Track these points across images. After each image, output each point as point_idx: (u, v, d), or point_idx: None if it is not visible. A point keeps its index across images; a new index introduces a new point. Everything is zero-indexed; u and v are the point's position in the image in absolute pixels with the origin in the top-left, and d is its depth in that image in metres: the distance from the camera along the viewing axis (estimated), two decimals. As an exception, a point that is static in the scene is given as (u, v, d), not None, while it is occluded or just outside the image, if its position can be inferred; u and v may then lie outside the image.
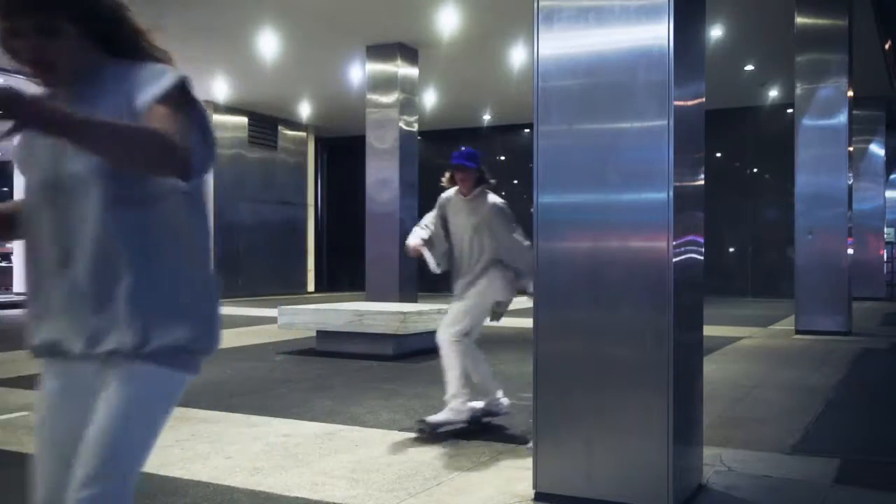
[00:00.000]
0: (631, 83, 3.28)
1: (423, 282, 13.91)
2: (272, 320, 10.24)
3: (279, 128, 19.73)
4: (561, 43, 3.41)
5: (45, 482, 1.87)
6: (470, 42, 12.54)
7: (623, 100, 3.30)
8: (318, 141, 21.48)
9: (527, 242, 4.53)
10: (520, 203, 24.15)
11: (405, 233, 13.73)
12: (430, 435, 4.52)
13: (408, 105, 12.98)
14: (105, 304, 1.63)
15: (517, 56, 13.29)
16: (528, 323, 3.91)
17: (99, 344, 1.64)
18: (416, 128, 13.27)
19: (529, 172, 3.52)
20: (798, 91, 10.61)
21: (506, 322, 12.27)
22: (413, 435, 4.67)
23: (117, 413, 1.63)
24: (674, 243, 3.23)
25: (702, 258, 3.65)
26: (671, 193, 3.21)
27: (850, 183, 10.58)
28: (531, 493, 3.47)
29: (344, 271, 21.51)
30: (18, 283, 19.17)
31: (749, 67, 14.65)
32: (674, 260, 3.23)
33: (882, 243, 17.97)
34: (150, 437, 1.72)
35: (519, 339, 9.45)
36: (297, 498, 3.50)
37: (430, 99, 16.89)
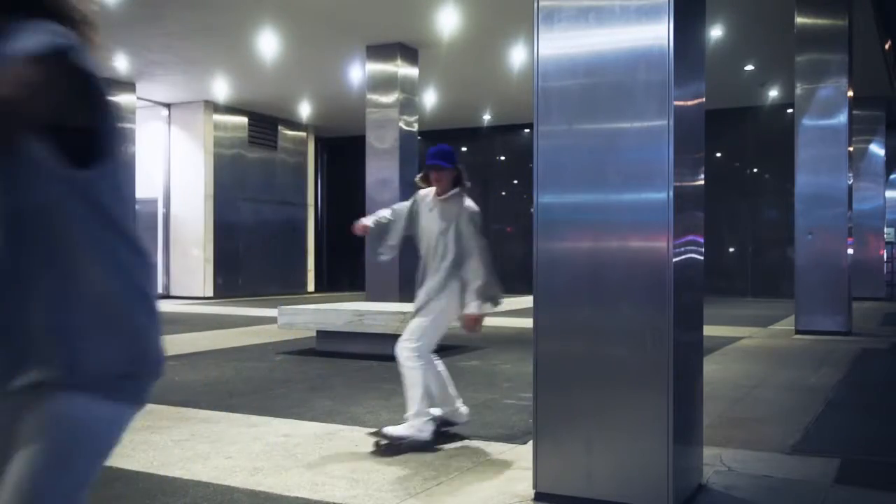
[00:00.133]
0: (631, 83, 3.28)
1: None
2: (272, 320, 10.24)
3: (279, 128, 19.73)
4: (561, 43, 3.41)
5: None
6: (470, 42, 12.54)
7: (623, 100, 3.30)
8: (318, 141, 21.47)
9: (484, 263, 4.37)
10: (520, 203, 24.16)
11: (405, 233, 13.73)
12: (386, 449, 4.20)
13: (408, 105, 12.97)
14: (15, 332, 1.33)
15: (517, 56, 13.29)
16: (528, 323, 3.91)
17: (12, 379, 1.33)
18: (416, 128, 13.26)
19: (529, 172, 3.52)
20: (798, 91, 10.61)
21: (506, 322, 12.24)
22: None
23: (36, 464, 1.31)
24: (674, 243, 3.23)
25: (702, 258, 3.65)
26: (671, 193, 3.21)
27: (850, 183, 10.57)
28: (531, 493, 3.47)
29: (344, 271, 21.52)
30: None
31: (749, 67, 14.65)
32: (674, 260, 3.23)
33: (882, 243, 17.96)
34: (79, 488, 1.37)
35: (519, 339, 9.45)
36: (297, 498, 3.49)
37: (430, 99, 16.88)
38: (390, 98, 12.80)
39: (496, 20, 11.55)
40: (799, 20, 10.51)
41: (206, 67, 14.72)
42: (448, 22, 11.59)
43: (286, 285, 19.80)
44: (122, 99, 15.59)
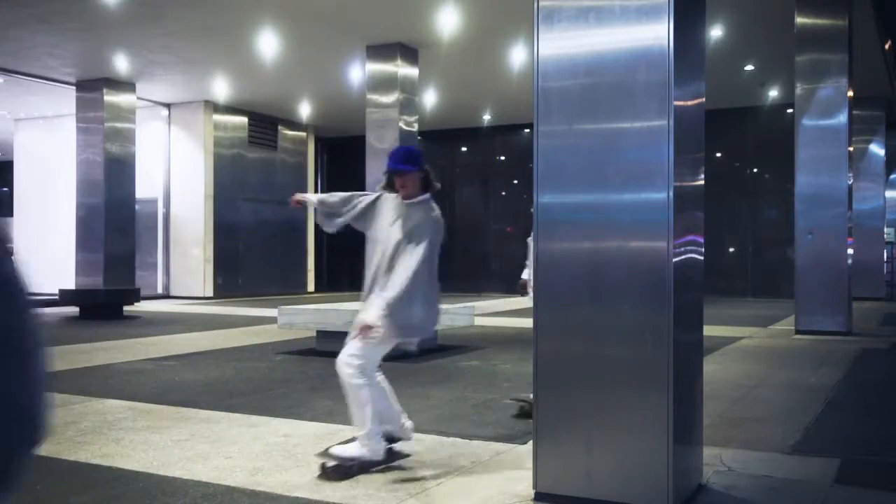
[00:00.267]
0: (631, 83, 3.28)
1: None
2: (272, 320, 10.24)
3: (279, 128, 19.73)
4: (561, 43, 3.41)
5: None
6: (470, 42, 12.54)
7: (623, 100, 3.30)
8: (318, 141, 21.47)
9: (405, 284, 3.76)
10: (520, 203, 24.21)
11: (405, 233, 13.72)
12: (333, 471, 3.78)
13: (408, 105, 12.98)
14: None
15: (517, 56, 13.29)
16: (528, 323, 3.91)
17: None
18: (416, 128, 13.26)
19: (529, 172, 3.52)
20: (798, 91, 10.61)
21: (506, 322, 12.25)
22: (413, 435, 4.67)
23: None
24: (674, 243, 3.23)
25: (702, 258, 3.65)
26: (671, 193, 3.21)
27: (850, 183, 10.57)
28: (531, 493, 3.47)
29: (344, 271, 21.51)
30: (18, 283, 19.14)
31: (749, 67, 14.65)
32: (674, 260, 3.23)
33: (882, 243, 17.96)
34: None
35: (519, 339, 9.45)
36: (298, 498, 3.49)
37: (430, 99, 16.88)
38: (390, 98, 12.81)
39: (496, 20, 11.55)
40: (799, 20, 10.51)
41: (206, 67, 14.72)
42: (448, 22, 11.59)
43: (286, 285, 19.79)
44: (122, 99, 15.60)
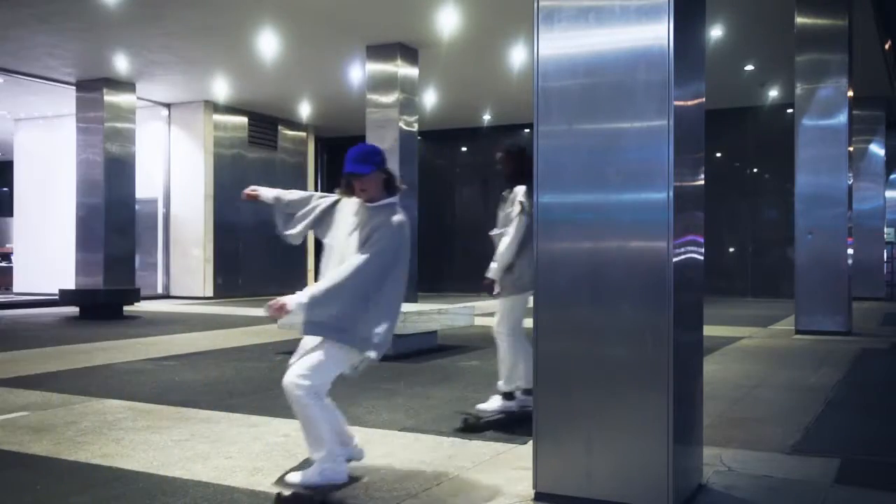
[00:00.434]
0: (631, 83, 3.28)
1: (423, 282, 13.92)
2: (272, 320, 10.23)
3: (279, 128, 19.73)
4: (561, 43, 3.41)
5: None
6: (470, 42, 12.54)
7: (623, 100, 3.30)
8: (318, 141, 21.48)
9: (338, 284, 3.41)
10: (520, 203, 23.75)
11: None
12: (290, 502, 3.41)
13: (408, 105, 12.98)
14: None
15: (517, 56, 13.30)
16: (528, 323, 3.91)
17: None
18: (416, 128, 13.27)
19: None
20: (798, 91, 10.61)
21: (506, 322, 12.07)
22: (413, 435, 4.67)
23: None
24: (674, 243, 3.23)
25: (702, 258, 3.65)
26: (671, 193, 3.21)
27: (850, 183, 10.57)
28: (531, 493, 3.47)
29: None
30: (18, 283, 19.18)
31: (749, 67, 14.65)
32: (674, 260, 3.23)
33: (882, 243, 17.96)
34: None
35: (519, 339, 9.45)
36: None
37: (430, 99, 16.89)
38: (390, 98, 12.81)
39: (496, 20, 11.55)
40: (799, 20, 10.51)
41: (206, 67, 14.72)
42: (448, 22, 11.59)
43: (286, 285, 19.73)
44: (122, 99, 15.60)
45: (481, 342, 9.20)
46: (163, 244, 18.18)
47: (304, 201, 3.82)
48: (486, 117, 19.63)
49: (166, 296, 17.86)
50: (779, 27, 11.52)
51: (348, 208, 3.68)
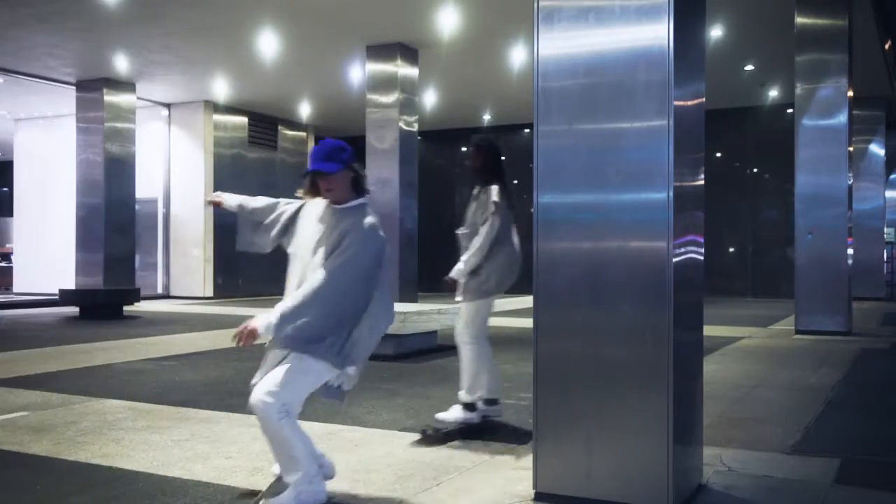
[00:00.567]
0: (631, 83, 3.28)
1: (423, 282, 13.92)
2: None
3: (279, 128, 19.73)
4: (561, 43, 3.41)
5: None
6: (470, 42, 12.54)
7: (623, 100, 3.30)
8: (318, 141, 21.46)
9: (312, 297, 3.11)
10: (520, 203, 24.11)
11: (405, 233, 13.73)
12: None
13: (408, 105, 12.98)
14: None
15: (517, 56, 13.30)
16: (528, 323, 3.91)
17: None
18: (416, 128, 13.27)
19: (529, 172, 3.52)
20: (798, 91, 10.61)
21: (506, 322, 12.24)
22: (413, 435, 4.67)
23: None
24: (674, 243, 3.23)
25: (702, 258, 3.65)
26: (671, 193, 3.22)
27: (850, 183, 10.58)
28: (531, 493, 3.47)
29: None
30: (18, 283, 19.18)
31: (749, 67, 14.66)
32: (674, 260, 3.23)
33: (882, 243, 17.96)
34: None
35: (519, 339, 9.45)
36: (297, 498, 3.49)
37: (430, 99, 16.89)
38: (390, 98, 12.81)
39: (496, 20, 11.55)
40: (799, 20, 10.52)
41: (206, 67, 14.72)
42: (448, 22, 11.59)
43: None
44: (122, 99, 15.60)
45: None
46: (163, 244, 18.18)
47: (271, 208, 3.54)
48: (486, 117, 19.63)
49: (166, 296, 17.86)
50: (779, 27, 11.52)
51: (312, 211, 3.36)
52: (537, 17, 3.44)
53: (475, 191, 4.95)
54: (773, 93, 16.73)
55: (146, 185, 17.35)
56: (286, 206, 3.51)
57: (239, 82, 15.87)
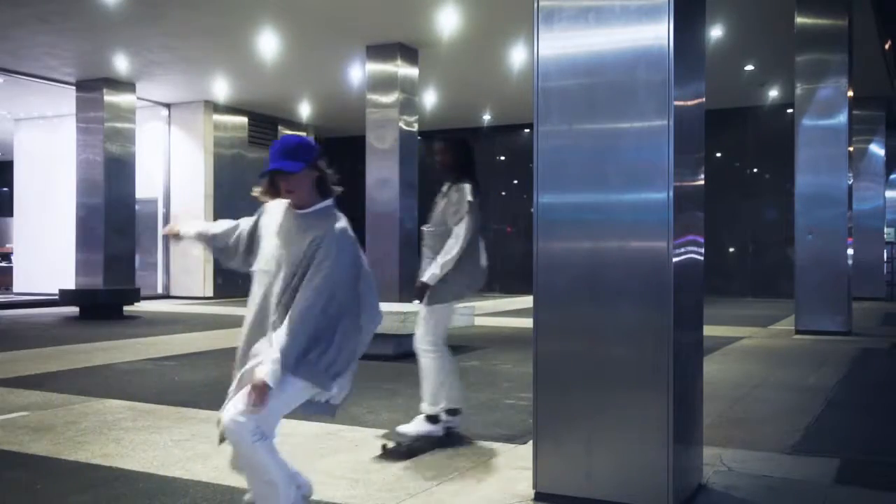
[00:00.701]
0: (631, 83, 3.28)
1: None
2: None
3: (279, 128, 19.72)
4: (561, 43, 3.41)
5: None
6: (470, 42, 12.54)
7: (623, 100, 3.30)
8: (317, 141, 21.44)
9: (304, 321, 2.78)
10: (520, 203, 24.10)
11: (405, 233, 13.70)
12: None
13: (408, 105, 12.97)
14: None
15: (517, 56, 13.29)
16: (528, 323, 3.91)
17: None
18: (416, 128, 13.26)
19: (529, 172, 3.52)
20: (798, 91, 10.61)
21: (506, 322, 12.22)
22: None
23: None
24: (674, 243, 3.23)
25: (702, 258, 3.65)
26: (671, 193, 3.22)
27: (850, 183, 10.58)
28: (531, 493, 3.47)
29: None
30: (19, 283, 19.18)
31: (749, 67, 14.65)
32: (674, 260, 3.23)
33: (882, 243, 17.96)
34: None
35: (519, 339, 9.45)
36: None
37: (430, 99, 16.88)
38: (390, 98, 12.81)
39: (496, 20, 11.55)
40: (799, 20, 10.52)
41: (206, 67, 14.71)
42: (448, 22, 11.58)
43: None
44: (122, 99, 15.60)
45: (481, 342, 9.20)
46: (163, 244, 18.17)
47: (230, 231, 3.17)
48: (486, 117, 19.63)
49: (166, 296, 17.85)
50: (779, 27, 11.51)
51: (272, 219, 3.00)
52: (537, 17, 3.44)
53: (444, 187, 4.66)
54: (773, 93, 16.73)
55: (146, 185, 17.34)
56: (244, 224, 3.15)
57: (239, 82, 15.86)
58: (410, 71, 13.02)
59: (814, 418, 5.23)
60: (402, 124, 12.83)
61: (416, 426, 4.45)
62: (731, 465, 4.01)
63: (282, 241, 2.90)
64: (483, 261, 4.71)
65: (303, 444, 4.44)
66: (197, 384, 6.52)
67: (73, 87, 15.49)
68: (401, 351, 7.97)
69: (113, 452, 4.28)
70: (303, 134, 20.39)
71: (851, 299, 10.63)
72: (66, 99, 16.10)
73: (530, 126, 3.54)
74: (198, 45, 13.02)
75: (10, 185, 20.33)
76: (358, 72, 14.21)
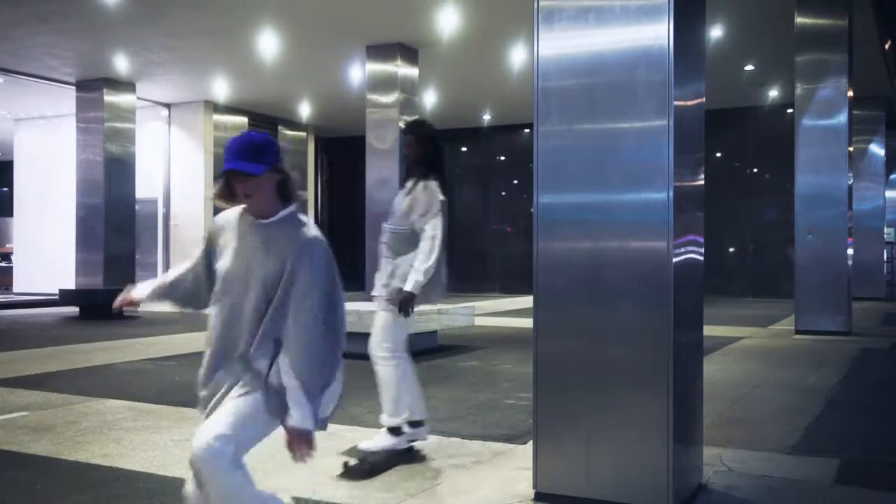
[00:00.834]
0: (631, 83, 3.28)
1: (423, 282, 13.90)
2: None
3: (279, 128, 19.72)
4: (561, 43, 3.41)
5: None
6: (470, 42, 12.54)
7: (623, 100, 3.30)
8: (318, 141, 21.47)
9: (311, 353, 2.51)
10: (520, 203, 24.08)
11: (405, 233, 13.61)
12: None
13: (408, 105, 12.97)
14: None
15: (517, 56, 13.29)
16: (528, 323, 3.91)
17: None
18: (416, 128, 13.23)
19: (529, 172, 3.52)
20: (798, 91, 10.61)
21: (506, 322, 12.22)
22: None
23: None
24: (674, 243, 3.23)
25: (702, 258, 3.65)
26: (671, 193, 3.22)
27: (850, 183, 10.58)
28: (531, 493, 3.47)
29: (344, 271, 21.48)
30: (19, 283, 19.18)
31: (749, 67, 14.65)
32: (674, 260, 3.23)
33: (882, 243, 17.96)
34: None
35: (519, 339, 9.45)
36: (298, 498, 3.49)
37: (430, 99, 16.88)
38: (390, 98, 12.81)
39: (496, 20, 11.55)
40: (799, 20, 10.52)
41: (206, 67, 14.71)
42: (448, 22, 11.58)
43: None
44: (122, 99, 15.60)
45: (481, 342, 9.21)
46: (163, 244, 18.18)
47: (188, 271, 2.82)
48: (486, 117, 19.63)
49: (166, 296, 17.83)
50: (779, 27, 11.51)
51: (228, 236, 2.61)
52: (537, 17, 3.44)
53: (409, 182, 4.37)
54: (773, 93, 16.73)
55: (146, 185, 17.34)
56: (198, 258, 2.76)
57: (239, 82, 15.86)
58: (410, 71, 13.02)
59: (814, 418, 5.23)
60: (402, 124, 12.82)
61: (378, 441, 4.13)
62: (731, 465, 4.01)
63: (246, 260, 2.53)
64: (444, 276, 4.34)
65: (303, 444, 4.43)
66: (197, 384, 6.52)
67: (73, 87, 15.49)
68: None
69: (113, 452, 4.28)
70: (303, 134, 20.40)
71: (851, 299, 10.63)
72: (66, 99, 16.10)
73: (530, 126, 3.54)
74: (198, 45, 13.01)
75: (10, 185, 20.33)
76: (358, 72, 14.21)
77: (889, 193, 18.82)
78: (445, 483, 3.72)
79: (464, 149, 21.58)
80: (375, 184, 12.84)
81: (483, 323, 11.37)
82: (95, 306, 13.20)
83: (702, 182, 3.68)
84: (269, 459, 4.12)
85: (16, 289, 19.14)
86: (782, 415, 5.38)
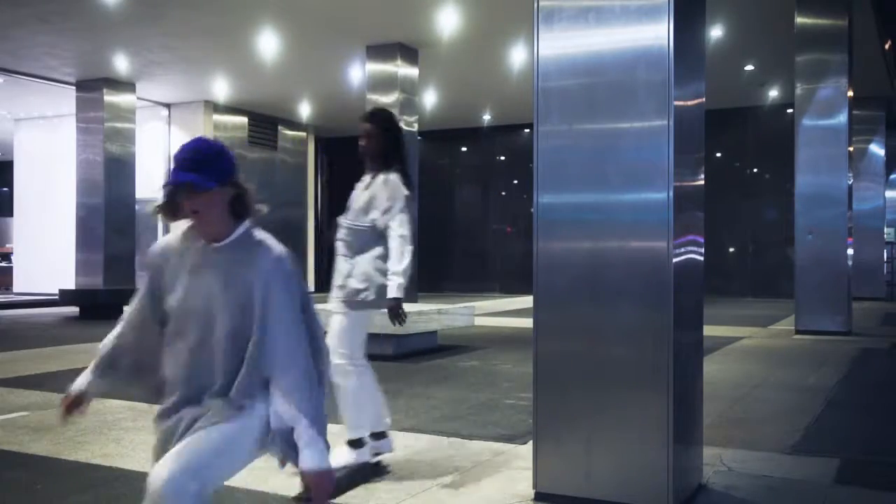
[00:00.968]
0: (631, 83, 3.28)
1: (423, 282, 13.92)
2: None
3: (279, 128, 19.73)
4: (561, 43, 3.41)
5: None
6: (470, 42, 12.54)
7: (623, 100, 3.30)
8: (318, 141, 21.47)
9: (302, 387, 2.21)
10: (520, 203, 24.10)
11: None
12: None
13: (408, 105, 12.97)
14: None
15: (517, 56, 13.29)
16: (528, 323, 3.91)
17: None
18: (416, 128, 13.26)
19: (529, 172, 3.52)
20: (798, 91, 10.61)
21: (506, 322, 12.22)
22: (413, 435, 4.67)
23: None
24: (674, 243, 3.23)
25: (702, 258, 3.65)
26: (671, 193, 3.22)
27: (850, 183, 10.58)
28: (531, 493, 3.47)
29: (344, 271, 21.45)
30: (19, 283, 19.18)
31: (749, 67, 14.65)
32: (674, 260, 3.23)
33: (882, 243, 17.95)
34: None
35: (519, 339, 9.45)
36: (298, 497, 3.49)
37: (430, 99, 16.88)
38: (390, 98, 12.80)
39: (496, 20, 11.55)
40: (799, 20, 10.52)
41: (206, 67, 14.71)
42: (448, 22, 11.58)
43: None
44: (122, 99, 15.60)
45: (481, 342, 9.21)
46: (163, 244, 18.17)
47: (134, 323, 2.41)
48: (486, 117, 19.63)
49: (166, 296, 17.84)
50: (779, 27, 11.51)
51: (173, 268, 2.26)
52: (537, 17, 3.44)
53: (367, 176, 4.02)
54: (773, 93, 16.73)
55: (146, 185, 17.32)
56: (140, 304, 2.36)
57: (239, 82, 15.86)
58: (410, 71, 13.03)
59: (814, 418, 5.23)
60: (401, 124, 12.82)
61: (340, 456, 3.79)
62: (731, 465, 4.01)
63: (204, 293, 2.19)
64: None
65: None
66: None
67: (73, 87, 15.49)
68: (401, 351, 7.97)
69: (113, 452, 4.28)
70: (303, 134, 20.39)
71: (851, 299, 10.63)
72: (66, 99, 16.10)
73: (530, 126, 3.54)
74: (198, 45, 13.01)
75: (10, 185, 20.33)
76: (358, 72, 14.21)
77: (889, 193, 18.82)
78: (445, 483, 3.72)
79: (464, 149, 21.58)
80: (375, 184, 12.82)
81: (483, 323, 11.37)
82: (95, 306, 13.21)
83: (702, 182, 3.68)
84: (268, 459, 4.12)
85: (16, 289, 19.14)
86: (782, 415, 5.38)
